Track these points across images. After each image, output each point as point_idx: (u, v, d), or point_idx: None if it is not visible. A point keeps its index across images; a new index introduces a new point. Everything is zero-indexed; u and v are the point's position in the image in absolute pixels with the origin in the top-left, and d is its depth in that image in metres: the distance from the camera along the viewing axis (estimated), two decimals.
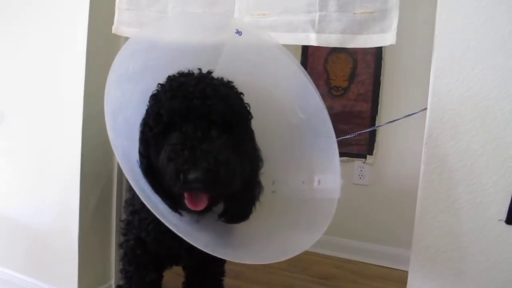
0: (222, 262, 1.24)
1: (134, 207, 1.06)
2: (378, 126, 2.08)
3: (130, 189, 1.10)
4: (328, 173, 0.92)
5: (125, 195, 1.17)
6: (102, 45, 1.51)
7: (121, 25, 1.43)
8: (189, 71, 0.94)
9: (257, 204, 0.93)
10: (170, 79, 0.93)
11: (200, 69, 0.94)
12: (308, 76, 1.03)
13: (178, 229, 0.78)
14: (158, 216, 0.78)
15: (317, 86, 2.26)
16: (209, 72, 0.93)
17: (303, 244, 0.84)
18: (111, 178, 1.63)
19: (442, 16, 1.04)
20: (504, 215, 1.01)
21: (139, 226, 1.05)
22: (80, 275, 1.54)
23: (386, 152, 2.25)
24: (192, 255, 1.14)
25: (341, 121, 2.32)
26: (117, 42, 1.54)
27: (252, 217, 0.94)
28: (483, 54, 1.00)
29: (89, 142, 1.50)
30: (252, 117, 0.92)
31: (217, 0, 1.30)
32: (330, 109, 2.25)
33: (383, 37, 1.13)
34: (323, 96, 2.29)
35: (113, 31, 1.45)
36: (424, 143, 1.08)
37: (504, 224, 1.01)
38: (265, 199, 0.93)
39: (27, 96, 1.58)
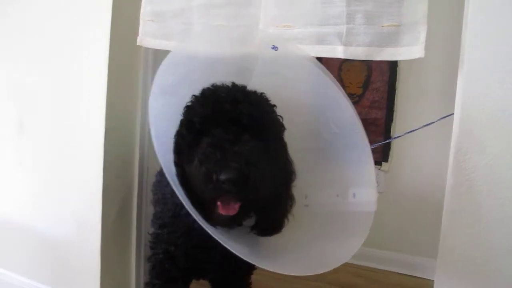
0: (248, 274, 1.25)
1: (163, 221, 1.07)
2: (399, 136, 2.08)
3: (158, 202, 1.11)
4: (363, 186, 0.93)
5: (154, 208, 1.17)
6: (124, 57, 1.52)
7: (146, 36, 1.45)
8: (222, 84, 0.95)
9: (290, 217, 0.94)
10: (204, 90, 0.94)
11: (233, 82, 0.95)
12: (342, 89, 1.04)
13: (221, 238, 0.78)
14: (201, 223, 0.79)
15: None
16: (244, 87, 0.94)
17: (340, 257, 0.84)
18: (131, 190, 1.64)
19: (471, 25, 1.04)
20: None
21: (168, 240, 1.06)
22: (102, 286, 1.54)
23: (401, 159, 2.26)
24: (221, 269, 1.15)
25: None
26: (138, 52, 1.56)
27: (285, 230, 0.95)
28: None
29: (110, 155, 1.50)
30: (285, 128, 0.92)
31: (242, 13, 1.31)
32: None
33: (410, 50, 1.14)
34: None
35: (138, 43, 1.46)
36: (452, 157, 1.08)
37: None
38: (297, 213, 0.94)
39: (48, 107, 1.59)
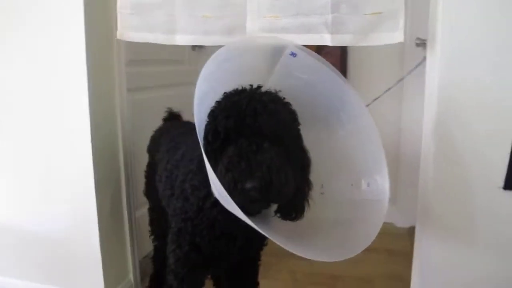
0: (258, 260, 1.38)
1: (187, 215, 1.14)
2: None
3: (179, 198, 1.18)
4: (376, 175, 1.06)
5: (175, 204, 1.22)
6: (101, 51, 1.51)
7: (126, 30, 1.43)
8: (242, 87, 1.01)
9: (310, 202, 1.05)
10: (226, 96, 1.00)
11: (251, 85, 1.01)
12: (351, 87, 1.14)
13: (255, 222, 0.87)
14: (237, 213, 0.86)
15: None
16: (259, 87, 1.01)
17: (359, 244, 0.98)
18: (119, 181, 1.67)
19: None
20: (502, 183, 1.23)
21: (193, 232, 1.14)
22: (104, 275, 1.60)
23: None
24: (240, 255, 1.27)
25: None
26: (112, 46, 1.55)
27: (305, 217, 1.06)
28: (484, 51, 1.17)
29: (98, 148, 1.52)
30: (300, 123, 1.02)
31: (227, 3, 1.35)
32: None
33: (392, 35, 1.26)
34: None
35: (118, 37, 1.45)
36: (431, 129, 1.25)
37: (502, 190, 1.23)
38: (315, 200, 1.06)
39: (29, 107, 1.55)
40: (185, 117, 1.76)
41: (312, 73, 1.09)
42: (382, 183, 1.04)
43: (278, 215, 1.07)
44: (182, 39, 1.41)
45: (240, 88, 1.02)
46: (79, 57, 1.43)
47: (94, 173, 1.52)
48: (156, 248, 1.78)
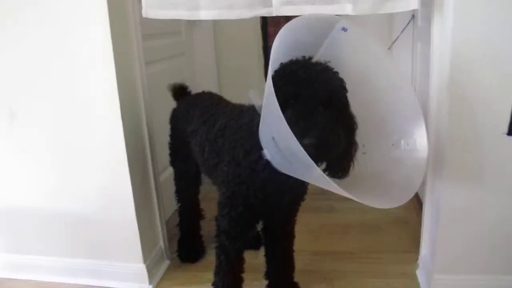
0: (295, 215, 1.52)
1: (240, 178, 1.25)
2: None
3: (230, 164, 1.28)
4: (416, 136, 1.19)
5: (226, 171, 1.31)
6: (123, 32, 1.55)
7: (151, 8, 1.48)
8: (296, 58, 1.11)
9: (354, 162, 1.18)
10: (283, 66, 1.09)
11: (304, 56, 1.11)
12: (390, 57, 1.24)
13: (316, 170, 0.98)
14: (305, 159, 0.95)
15: (278, 26, 2.45)
16: (310, 58, 1.11)
17: (404, 196, 1.12)
18: (145, 150, 1.74)
19: None
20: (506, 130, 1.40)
21: (247, 194, 1.26)
22: (142, 244, 1.71)
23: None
24: (288, 209, 1.40)
25: None
26: (130, 26, 1.59)
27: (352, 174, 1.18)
28: (490, 11, 1.31)
29: (127, 120, 1.58)
30: (347, 91, 1.13)
31: None
32: None
33: (407, 3, 1.37)
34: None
35: (143, 15, 1.49)
36: (448, 84, 1.39)
37: (506, 135, 1.40)
38: (358, 159, 1.18)
39: (57, 90, 1.57)
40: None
41: (357, 47, 1.19)
42: (421, 142, 1.18)
43: (327, 173, 1.18)
44: (207, 15, 1.47)
45: (294, 59, 1.11)
46: (105, 34, 1.46)
47: (126, 146, 1.58)
48: (182, 214, 1.89)
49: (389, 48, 1.32)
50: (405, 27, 2.14)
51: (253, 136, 1.20)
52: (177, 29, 2.36)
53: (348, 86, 1.13)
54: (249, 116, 1.26)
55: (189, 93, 1.81)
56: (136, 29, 1.61)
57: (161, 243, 1.89)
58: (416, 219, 2.15)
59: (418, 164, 1.17)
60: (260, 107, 1.22)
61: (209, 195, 2.03)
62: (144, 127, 1.72)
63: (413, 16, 2.23)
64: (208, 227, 1.98)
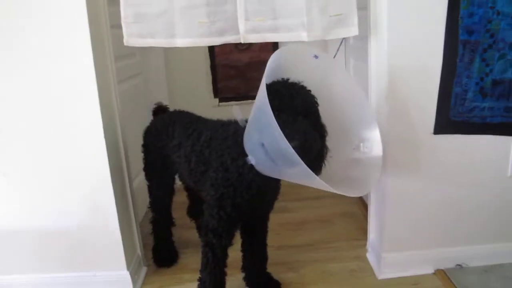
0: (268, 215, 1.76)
1: (228, 182, 1.45)
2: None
3: (218, 170, 1.48)
4: (372, 141, 1.47)
5: (215, 176, 1.51)
6: (100, 49, 1.70)
7: (132, 37, 1.65)
8: (277, 80, 1.34)
9: (326, 162, 1.43)
10: (269, 86, 1.29)
11: (283, 78, 1.35)
12: (350, 76, 1.52)
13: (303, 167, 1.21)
14: (298, 159, 1.14)
15: (224, 46, 2.72)
16: (288, 79, 1.35)
17: (366, 186, 1.41)
18: (121, 163, 1.89)
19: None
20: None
21: (234, 195, 1.47)
22: (125, 253, 1.85)
23: None
24: (265, 207, 1.63)
25: (250, 69, 2.83)
26: (107, 49, 1.75)
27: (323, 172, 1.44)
28: (415, 40, 1.64)
29: (108, 137, 1.72)
30: (318, 105, 1.38)
31: (222, 9, 1.64)
32: (239, 61, 2.76)
33: (349, 30, 1.68)
34: (231, 52, 2.78)
35: (125, 43, 1.65)
36: (387, 94, 1.71)
37: (432, 134, 1.74)
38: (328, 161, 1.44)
39: (45, 102, 1.67)
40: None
41: (325, 70, 1.45)
42: (376, 145, 1.47)
43: None
44: (182, 42, 1.67)
45: (275, 80, 1.34)
46: (89, 64, 1.61)
47: (108, 160, 1.72)
48: (156, 223, 2.05)
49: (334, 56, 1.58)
50: (339, 46, 2.47)
51: (239, 145, 1.43)
52: (132, 51, 2.51)
53: (318, 101, 1.39)
54: (233, 129, 1.48)
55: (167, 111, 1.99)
56: (110, 54, 1.77)
57: (139, 251, 2.03)
58: (359, 213, 2.48)
59: (375, 162, 1.45)
60: (242, 121, 1.45)
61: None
62: (120, 142, 1.86)
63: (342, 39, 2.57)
64: (177, 233, 2.16)
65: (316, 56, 1.41)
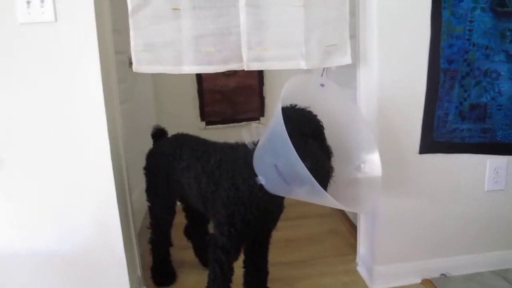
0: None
1: (239, 200, 1.55)
2: None
3: (230, 189, 1.57)
4: (371, 162, 1.61)
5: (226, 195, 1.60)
6: (107, 71, 1.78)
7: (141, 64, 1.74)
8: (287, 106, 1.45)
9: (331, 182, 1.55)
10: (285, 111, 1.39)
11: (291, 104, 1.47)
12: (354, 104, 1.67)
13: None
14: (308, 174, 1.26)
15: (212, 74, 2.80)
16: (295, 105, 1.47)
17: (367, 204, 1.55)
18: (124, 183, 1.95)
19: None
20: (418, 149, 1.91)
21: (245, 212, 1.57)
22: (129, 274, 1.88)
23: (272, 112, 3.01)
24: (271, 224, 1.73)
25: (236, 94, 2.96)
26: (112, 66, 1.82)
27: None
28: (408, 63, 1.82)
29: (115, 158, 1.79)
30: (324, 128, 1.51)
31: (227, 40, 1.76)
32: (225, 86, 2.88)
33: (343, 59, 1.83)
34: (217, 78, 2.89)
35: (134, 70, 1.74)
36: (376, 117, 1.86)
37: (418, 154, 1.91)
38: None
39: (49, 120, 1.70)
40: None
41: (329, 98, 1.59)
42: (376, 166, 1.61)
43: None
44: (189, 69, 1.77)
45: (284, 106, 1.46)
46: (97, 82, 1.67)
47: (115, 181, 1.77)
48: (155, 243, 2.10)
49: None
50: (323, 72, 2.64)
51: (249, 166, 1.53)
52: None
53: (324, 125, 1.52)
54: (242, 151, 1.59)
55: (166, 134, 2.07)
56: (114, 78, 1.85)
57: (139, 271, 2.07)
58: (345, 230, 2.62)
59: (375, 182, 1.59)
60: (250, 143, 1.56)
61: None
62: (123, 163, 1.92)
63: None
64: (172, 254, 2.21)
65: (322, 85, 1.55)
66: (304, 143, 1.39)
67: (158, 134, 2.06)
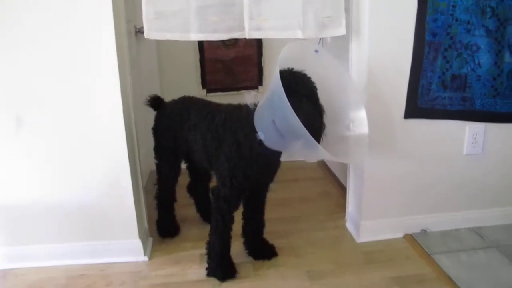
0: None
1: (241, 154, 1.73)
2: None
3: (232, 145, 1.75)
4: (359, 121, 1.79)
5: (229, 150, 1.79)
6: (120, 42, 1.93)
7: (152, 31, 1.89)
8: (284, 69, 1.60)
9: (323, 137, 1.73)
10: (281, 73, 1.54)
11: (288, 68, 1.63)
12: (344, 69, 1.84)
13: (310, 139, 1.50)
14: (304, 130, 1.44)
15: (213, 42, 2.95)
16: (292, 69, 1.64)
17: (356, 157, 1.74)
18: (134, 147, 2.12)
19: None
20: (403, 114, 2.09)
21: (246, 165, 1.75)
22: (137, 223, 2.08)
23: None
24: (269, 178, 1.92)
25: (236, 64, 3.12)
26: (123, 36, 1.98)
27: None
28: (396, 35, 1.98)
29: (126, 122, 1.95)
30: (317, 89, 1.66)
31: (230, 10, 1.91)
32: (226, 56, 3.04)
33: (337, 30, 1.99)
34: (218, 48, 3.03)
35: (146, 36, 1.90)
36: (366, 84, 2.04)
37: (403, 119, 2.09)
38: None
39: (68, 92, 1.87)
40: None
41: (324, 62, 1.76)
42: (363, 124, 1.79)
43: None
44: (195, 37, 1.93)
45: (282, 69, 1.62)
46: (111, 45, 1.83)
47: (126, 139, 1.95)
48: (161, 198, 2.29)
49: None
50: (319, 43, 2.79)
51: (249, 125, 1.71)
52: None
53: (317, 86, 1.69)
54: (245, 111, 1.77)
55: (163, 101, 2.23)
56: (126, 45, 2.01)
57: (146, 223, 2.26)
58: (335, 192, 2.83)
59: (362, 138, 1.78)
60: (252, 105, 1.73)
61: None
62: (133, 123, 2.09)
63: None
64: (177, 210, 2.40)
65: (316, 51, 1.72)
66: (298, 101, 1.55)
67: (155, 102, 2.21)
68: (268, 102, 1.62)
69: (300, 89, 1.59)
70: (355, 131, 1.79)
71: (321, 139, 1.71)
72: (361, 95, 1.85)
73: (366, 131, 1.78)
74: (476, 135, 2.16)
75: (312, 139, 1.47)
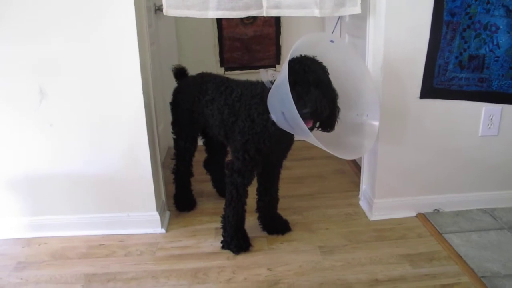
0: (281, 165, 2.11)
1: (254, 130, 1.77)
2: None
3: (246, 120, 1.79)
4: (372, 111, 1.81)
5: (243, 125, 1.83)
6: (140, 18, 1.98)
7: (170, 8, 1.92)
8: (297, 56, 1.64)
9: (337, 121, 1.75)
10: (291, 61, 1.60)
11: (301, 55, 1.66)
12: (359, 56, 1.85)
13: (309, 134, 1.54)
14: (298, 120, 1.47)
15: (231, 21, 2.97)
16: (305, 56, 1.66)
17: (364, 148, 1.78)
18: (153, 122, 2.18)
19: None
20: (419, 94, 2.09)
21: (258, 141, 1.79)
22: (155, 196, 2.16)
23: None
24: (281, 155, 1.97)
25: (254, 42, 3.13)
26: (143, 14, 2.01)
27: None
28: (406, 19, 1.98)
29: (145, 90, 2.00)
30: (329, 73, 1.69)
31: None
32: (244, 34, 3.05)
33: (353, 9, 2.00)
34: (237, 26, 3.05)
35: (164, 13, 1.93)
36: (382, 64, 2.04)
37: (419, 99, 2.10)
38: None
39: (90, 68, 1.93)
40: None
41: (339, 52, 1.77)
42: (375, 115, 1.81)
43: (320, 129, 1.76)
44: (213, 14, 1.96)
45: (291, 58, 1.64)
46: (131, 25, 1.88)
47: (145, 116, 2.00)
48: (178, 173, 2.35)
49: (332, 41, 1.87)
50: (336, 23, 2.79)
51: (264, 103, 1.74)
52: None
53: (331, 76, 1.70)
54: (260, 89, 1.80)
55: (187, 73, 2.27)
56: (145, 21, 2.04)
57: (163, 197, 2.34)
58: (350, 170, 2.85)
59: (373, 130, 1.81)
60: (268, 82, 1.76)
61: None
62: (151, 98, 2.14)
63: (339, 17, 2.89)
64: (194, 185, 2.46)
65: (332, 41, 1.73)
66: (306, 91, 1.58)
67: (179, 72, 2.26)
68: (278, 93, 1.63)
69: (308, 78, 1.60)
70: (366, 120, 1.81)
71: (335, 122, 1.74)
72: (376, 90, 1.86)
73: (377, 124, 1.81)
74: (492, 116, 2.16)
75: (316, 140, 1.54)
